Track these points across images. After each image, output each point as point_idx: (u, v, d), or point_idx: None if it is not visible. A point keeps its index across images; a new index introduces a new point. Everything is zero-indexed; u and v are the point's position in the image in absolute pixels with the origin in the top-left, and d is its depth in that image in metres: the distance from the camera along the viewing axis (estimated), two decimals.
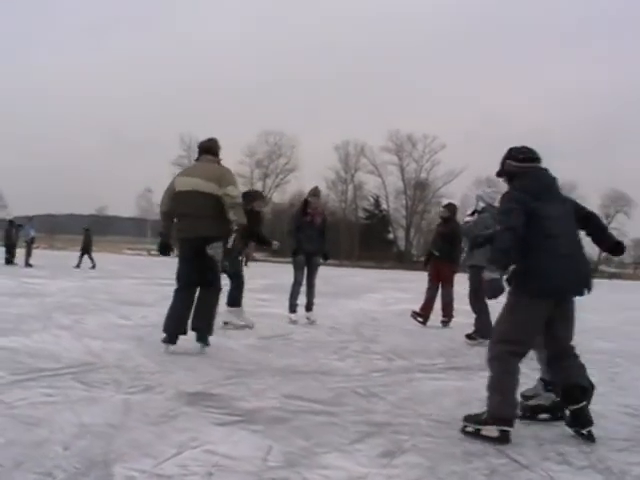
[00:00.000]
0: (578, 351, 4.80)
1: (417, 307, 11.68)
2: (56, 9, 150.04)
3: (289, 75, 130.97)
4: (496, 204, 9.80)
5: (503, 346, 4.55)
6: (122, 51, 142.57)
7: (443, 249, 11.44)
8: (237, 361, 6.90)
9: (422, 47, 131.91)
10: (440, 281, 11.56)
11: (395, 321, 11.88)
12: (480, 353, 8.28)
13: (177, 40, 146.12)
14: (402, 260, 70.00)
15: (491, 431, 4.34)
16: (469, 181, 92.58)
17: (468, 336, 9.39)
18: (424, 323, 11.35)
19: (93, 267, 27.91)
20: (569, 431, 4.55)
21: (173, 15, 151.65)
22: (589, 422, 4.46)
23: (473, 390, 5.91)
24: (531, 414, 5.02)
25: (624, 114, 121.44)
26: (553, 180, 4.79)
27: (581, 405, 4.47)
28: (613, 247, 5.21)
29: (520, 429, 4.59)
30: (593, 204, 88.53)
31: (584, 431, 4.44)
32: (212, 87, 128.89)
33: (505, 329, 4.60)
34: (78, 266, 28.11)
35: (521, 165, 4.74)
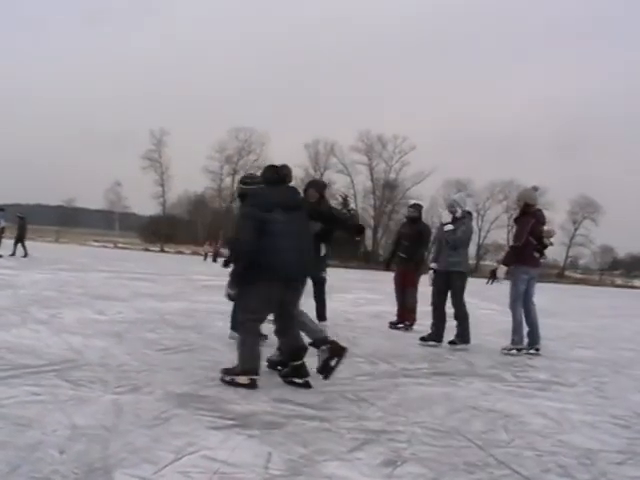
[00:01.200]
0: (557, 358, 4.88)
1: (389, 308, 11.67)
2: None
3: (262, 73, 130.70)
4: (467, 208, 9.81)
5: (247, 315, 5.88)
6: (99, 48, 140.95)
7: (410, 251, 11.35)
8: (220, 361, 6.79)
9: (394, 48, 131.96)
10: (404, 284, 11.49)
11: (370, 323, 11.84)
12: (463, 358, 8.31)
13: (152, 37, 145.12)
14: (369, 260, 69.93)
15: (243, 380, 5.66)
16: (438, 182, 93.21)
17: (451, 342, 9.34)
18: (411, 326, 11.29)
19: (25, 256, 27.27)
20: (566, 441, 4.54)
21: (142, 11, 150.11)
22: (307, 374, 5.94)
23: (462, 397, 5.92)
24: (273, 367, 6.40)
25: (595, 121, 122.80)
26: (284, 194, 6.02)
27: (302, 362, 5.94)
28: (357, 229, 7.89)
29: (517, 439, 4.58)
30: (561, 210, 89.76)
31: (302, 380, 5.91)
32: (184, 85, 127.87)
33: (248, 303, 5.86)
34: (13, 254, 27.57)
35: (248, 187, 6.39)
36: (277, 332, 6.18)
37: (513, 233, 9.72)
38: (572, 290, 53.85)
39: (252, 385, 5.64)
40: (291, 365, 6.01)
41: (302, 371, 5.94)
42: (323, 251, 8.62)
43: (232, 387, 5.58)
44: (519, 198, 9.86)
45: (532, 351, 9.15)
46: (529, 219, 9.22)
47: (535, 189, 9.83)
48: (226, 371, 5.84)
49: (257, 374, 5.71)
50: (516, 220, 9.68)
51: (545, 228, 9.33)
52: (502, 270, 9.37)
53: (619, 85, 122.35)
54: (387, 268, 12.47)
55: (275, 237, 5.69)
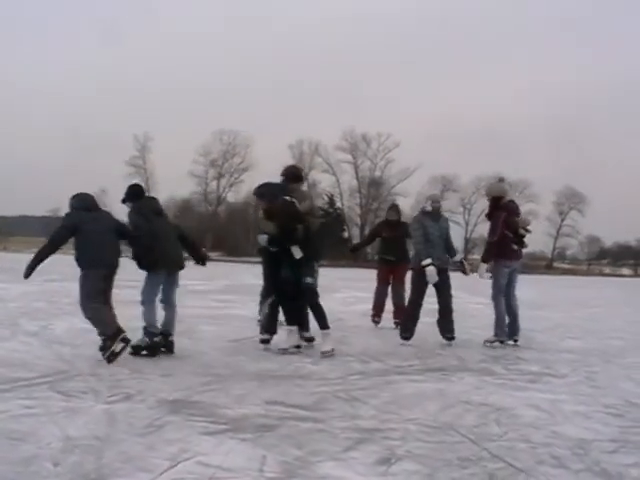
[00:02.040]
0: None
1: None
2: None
3: (244, 75, 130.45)
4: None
5: (88, 301, 7.04)
6: (81, 51, 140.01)
7: (399, 253, 11.30)
8: (211, 365, 6.83)
9: (376, 47, 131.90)
10: (392, 282, 11.49)
11: (361, 322, 11.80)
12: (454, 353, 8.34)
13: (137, 39, 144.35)
14: (357, 259, 69.78)
15: (117, 346, 6.86)
16: (424, 179, 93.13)
17: (452, 338, 9.25)
18: (379, 323, 11.29)
19: None
20: (559, 432, 4.58)
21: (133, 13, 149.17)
22: (129, 340, 7.09)
23: (454, 392, 5.94)
24: (135, 351, 7.36)
25: (580, 113, 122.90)
26: (94, 200, 7.54)
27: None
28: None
29: (510, 432, 4.60)
30: (547, 201, 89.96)
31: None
32: (168, 87, 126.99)
33: (84, 291, 7.06)
34: None
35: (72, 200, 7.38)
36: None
37: (487, 229, 9.56)
38: (560, 281, 54.00)
39: (125, 340, 6.98)
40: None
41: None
42: (298, 254, 8.01)
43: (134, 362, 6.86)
44: (487, 193, 9.81)
45: (510, 342, 9.19)
46: (501, 213, 9.18)
47: (501, 180, 9.82)
48: (102, 349, 6.91)
49: (123, 331, 7.00)
50: (488, 216, 9.58)
51: (519, 218, 9.35)
52: (482, 267, 9.34)
53: (604, 77, 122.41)
54: (353, 251, 12.59)
55: (89, 235, 7.06)
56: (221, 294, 18.27)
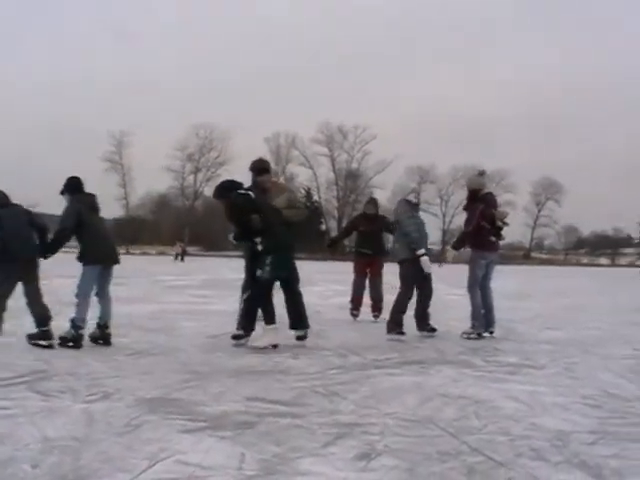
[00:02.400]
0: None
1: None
2: None
3: (220, 69, 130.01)
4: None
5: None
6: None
7: (376, 247, 11.37)
8: (189, 362, 6.80)
9: (353, 40, 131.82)
10: (369, 275, 11.54)
11: (338, 315, 11.81)
12: (432, 345, 8.37)
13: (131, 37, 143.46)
14: (334, 252, 69.52)
15: None
16: (401, 170, 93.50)
17: (433, 329, 9.34)
18: (357, 316, 11.34)
19: None
20: (538, 424, 4.60)
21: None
22: (52, 337, 7.47)
23: (433, 385, 5.95)
24: (62, 343, 7.50)
25: (557, 104, 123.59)
26: (5, 195, 7.63)
27: (48, 328, 7.50)
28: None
29: (489, 425, 4.61)
30: (524, 192, 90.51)
31: (46, 343, 7.40)
32: (144, 83, 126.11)
33: (5, 289, 7.37)
34: None
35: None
36: (27, 303, 7.59)
37: (464, 220, 9.63)
38: (538, 271, 54.36)
39: None
40: (40, 329, 7.46)
41: (47, 335, 7.46)
42: (260, 246, 7.99)
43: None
44: (466, 185, 9.98)
45: (486, 334, 9.24)
46: (478, 205, 9.26)
47: (481, 174, 9.86)
48: None
49: None
50: (465, 208, 9.71)
51: (497, 210, 9.43)
52: (450, 254, 9.55)
53: (582, 69, 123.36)
54: (330, 245, 13.08)
55: (7, 230, 7.29)
56: (199, 289, 18.27)
